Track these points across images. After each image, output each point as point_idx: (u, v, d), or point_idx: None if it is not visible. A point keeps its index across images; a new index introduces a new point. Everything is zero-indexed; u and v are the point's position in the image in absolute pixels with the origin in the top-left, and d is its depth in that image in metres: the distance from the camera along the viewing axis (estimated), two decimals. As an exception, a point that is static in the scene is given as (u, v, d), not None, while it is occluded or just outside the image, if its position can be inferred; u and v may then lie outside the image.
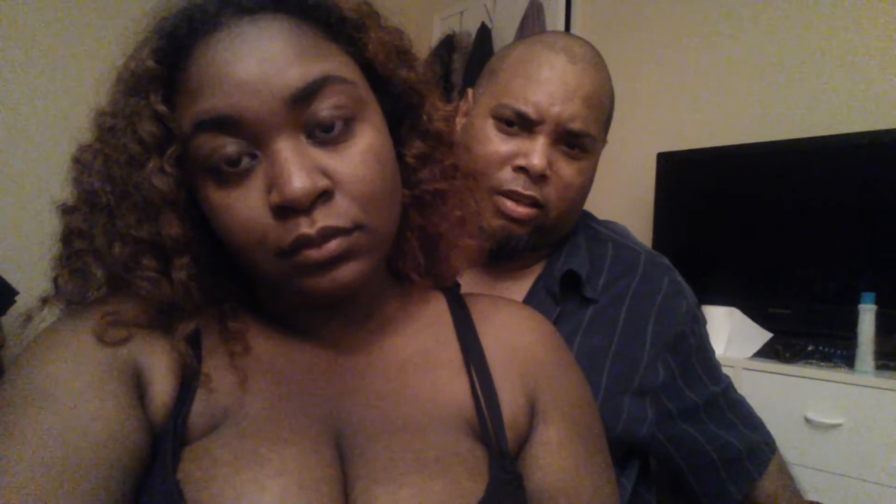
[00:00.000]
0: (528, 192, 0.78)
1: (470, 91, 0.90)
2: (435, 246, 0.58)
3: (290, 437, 0.44)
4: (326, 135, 0.45)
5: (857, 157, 1.63)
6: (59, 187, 0.49)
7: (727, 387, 0.88)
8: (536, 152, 0.78)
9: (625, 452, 0.81)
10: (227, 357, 0.49)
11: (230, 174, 0.44)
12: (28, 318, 0.48)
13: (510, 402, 0.54)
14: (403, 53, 0.53)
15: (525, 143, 0.79)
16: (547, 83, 0.78)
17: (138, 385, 0.45)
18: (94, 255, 0.47)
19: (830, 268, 1.65)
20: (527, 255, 0.85)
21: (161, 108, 0.45)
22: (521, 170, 0.79)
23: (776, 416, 1.31)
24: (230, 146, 0.44)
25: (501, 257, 0.83)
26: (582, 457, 0.54)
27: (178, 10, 0.46)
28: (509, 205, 0.79)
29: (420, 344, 0.56)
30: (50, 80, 1.95)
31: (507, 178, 0.79)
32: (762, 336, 1.67)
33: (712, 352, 0.89)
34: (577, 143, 0.80)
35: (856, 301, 1.46)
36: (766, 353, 1.63)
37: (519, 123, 0.79)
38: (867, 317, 1.44)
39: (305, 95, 0.44)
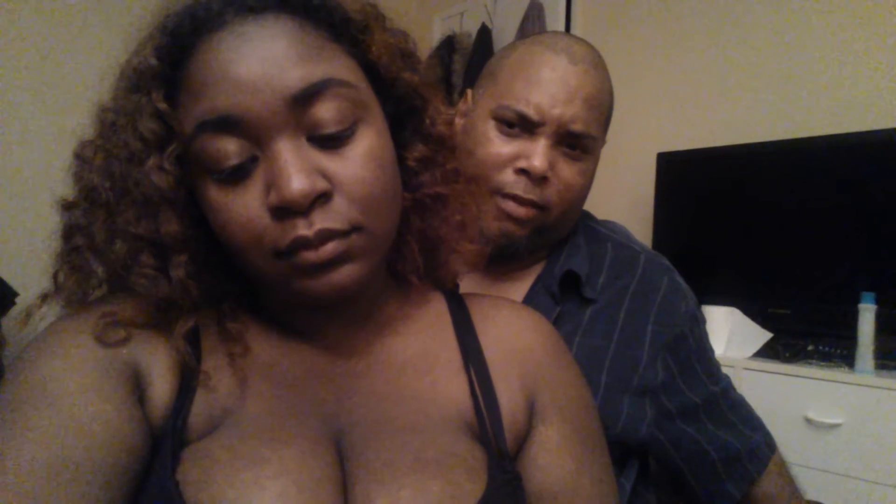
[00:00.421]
0: (528, 196, 0.78)
1: (469, 92, 0.90)
2: (435, 249, 0.58)
3: (289, 438, 0.44)
4: (327, 137, 0.45)
5: (857, 157, 1.63)
6: (60, 188, 0.49)
7: (727, 387, 0.88)
8: (538, 154, 0.77)
9: (624, 452, 0.81)
10: (226, 358, 0.49)
11: (230, 174, 0.44)
12: (28, 314, 0.48)
13: (509, 402, 0.54)
14: (407, 56, 0.53)
15: (526, 145, 0.79)
16: (548, 84, 0.78)
17: (138, 385, 0.45)
18: (93, 252, 0.47)
19: (830, 268, 1.65)
20: (526, 256, 0.85)
21: (162, 105, 0.45)
22: (522, 171, 0.78)
23: (776, 416, 1.31)
24: (231, 146, 0.44)
25: (501, 258, 0.83)
26: (581, 457, 0.54)
27: (183, 7, 0.46)
28: (511, 206, 0.79)
29: (419, 345, 0.56)
30: (50, 80, 1.95)
31: (509, 180, 0.79)
32: (762, 336, 1.67)
33: (712, 352, 0.89)
34: (578, 144, 0.80)
35: (856, 301, 1.47)
36: (766, 352, 1.63)
37: (520, 125, 0.79)
38: (867, 316, 1.45)
39: (307, 97, 0.44)
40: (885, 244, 1.56)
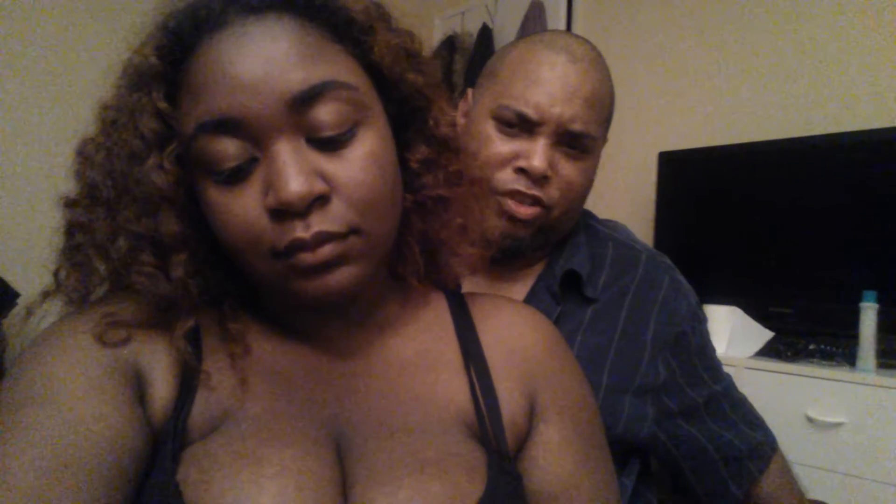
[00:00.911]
0: (531, 192, 0.78)
1: (470, 91, 0.89)
2: (435, 252, 0.58)
3: (289, 439, 0.44)
4: (326, 139, 0.45)
5: (858, 156, 1.63)
6: (62, 188, 0.49)
7: (728, 385, 0.88)
8: (537, 154, 0.77)
9: (625, 452, 0.81)
10: (227, 358, 0.49)
11: (229, 175, 0.44)
12: (28, 312, 0.48)
13: (510, 402, 0.53)
14: (412, 56, 0.52)
15: (526, 145, 0.79)
16: (547, 83, 0.78)
17: (138, 386, 0.45)
18: (95, 249, 0.47)
19: (832, 266, 1.65)
20: (528, 255, 0.85)
21: (162, 105, 0.45)
22: (521, 171, 0.78)
23: (778, 415, 1.31)
24: (231, 148, 0.44)
25: (503, 258, 0.82)
26: (582, 456, 0.54)
27: (184, 6, 0.46)
28: (513, 205, 0.79)
29: (420, 345, 0.56)
30: (50, 80, 1.96)
31: (509, 179, 0.79)
32: (764, 335, 1.67)
33: (713, 351, 0.89)
34: (578, 143, 0.80)
35: (857, 299, 1.46)
36: (767, 352, 1.63)
37: (519, 124, 0.79)
38: (869, 315, 1.44)
39: (307, 99, 0.44)
40: (887, 242, 1.56)
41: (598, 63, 0.81)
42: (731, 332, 1.66)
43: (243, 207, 0.44)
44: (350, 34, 0.48)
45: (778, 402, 1.48)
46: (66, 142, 0.50)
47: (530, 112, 0.77)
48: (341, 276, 0.46)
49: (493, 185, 0.79)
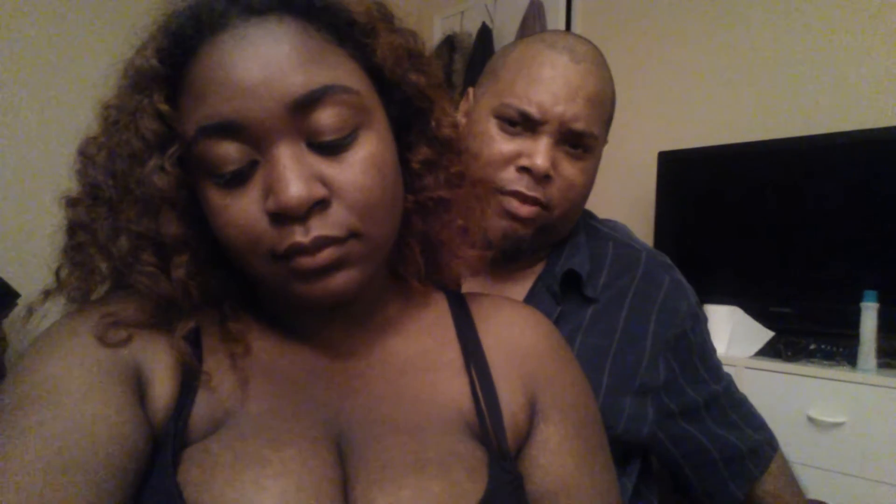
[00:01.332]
0: (531, 194, 0.78)
1: (471, 90, 0.89)
2: (436, 253, 0.58)
3: (290, 439, 0.44)
4: (327, 143, 0.45)
5: (858, 155, 1.63)
6: (61, 188, 0.49)
7: (728, 385, 0.88)
8: (540, 153, 0.77)
9: (626, 452, 0.81)
10: (227, 358, 0.49)
11: (230, 178, 0.44)
12: (29, 311, 0.48)
13: (510, 401, 0.53)
14: (415, 57, 0.52)
15: (528, 144, 0.79)
16: (550, 83, 0.78)
17: (139, 386, 0.45)
18: (96, 248, 0.47)
19: (832, 266, 1.65)
20: (528, 255, 0.85)
21: (163, 107, 0.45)
22: (524, 170, 0.78)
23: (778, 415, 1.31)
24: (231, 151, 0.44)
25: (503, 258, 0.82)
26: (582, 456, 0.54)
27: (186, 7, 0.46)
28: (514, 204, 0.79)
29: (420, 345, 0.56)
30: (50, 80, 1.96)
31: (511, 178, 0.79)
32: (764, 335, 1.67)
33: (713, 350, 0.89)
34: (580, 143, 0.80)
35: (858, 299, 1.46)
36: (768, 351, 1.63)
37: (522, 123, 0.79)
38: (869, 315, 1.44)
39: (307, 103, 0.44)
40: (888, 242, 1.56)
41: (600, 63, 0.81)
42: (732, 332, 1.66)
43: (243, 210, 0.44)
44: (352, 36, 0.48)
45: (778, 401, 1.48)
46: (66, 142, 0.50)
47: (533, 111, 0.77)
48: (341, 280, 0.46)
49: (494, 184, 0.79)
